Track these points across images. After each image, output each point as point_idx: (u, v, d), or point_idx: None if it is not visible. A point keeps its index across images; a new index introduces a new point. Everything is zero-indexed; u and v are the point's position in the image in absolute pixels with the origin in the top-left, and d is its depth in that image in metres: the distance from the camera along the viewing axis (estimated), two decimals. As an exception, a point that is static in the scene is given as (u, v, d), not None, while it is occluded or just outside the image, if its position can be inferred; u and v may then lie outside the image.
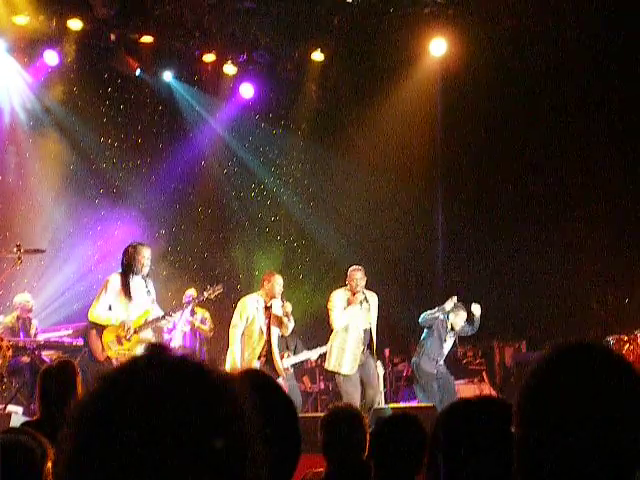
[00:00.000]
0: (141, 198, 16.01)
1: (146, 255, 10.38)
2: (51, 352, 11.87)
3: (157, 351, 1.38)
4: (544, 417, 1.64)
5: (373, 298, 11.72)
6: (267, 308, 11.09)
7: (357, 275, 11.54)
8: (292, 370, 12.00)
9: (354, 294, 11.46)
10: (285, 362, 11.53)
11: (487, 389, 14.69)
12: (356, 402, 10.92)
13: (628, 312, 15.37)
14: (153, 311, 10.44)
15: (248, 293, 11.59)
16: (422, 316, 12.70)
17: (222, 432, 1.30)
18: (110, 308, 10.19)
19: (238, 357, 10.95)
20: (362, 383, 11.46)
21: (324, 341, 12.12)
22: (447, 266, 17.08)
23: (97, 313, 10.16)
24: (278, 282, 11.17)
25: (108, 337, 10.09)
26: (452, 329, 12.77)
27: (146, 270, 10.42)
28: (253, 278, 15.57)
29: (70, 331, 12.76)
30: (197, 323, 13.72)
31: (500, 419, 1.68)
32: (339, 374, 11.42)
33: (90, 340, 10.44)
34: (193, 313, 13.68)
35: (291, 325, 11.24)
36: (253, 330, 11.01)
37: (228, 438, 1.30)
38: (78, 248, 15.05)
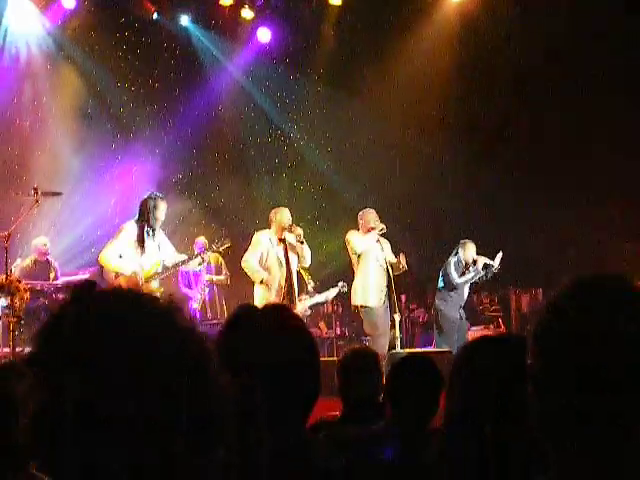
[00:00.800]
0: (158, 142, 15.98)
1: (163, 209, 10.36)
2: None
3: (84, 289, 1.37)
4: (559, 347, 1.62)
5: (386, 243, 11.73)
6: (281, 240, 11.13)
7: (371, 216, 11.55)
8: (310, 312, 12.03)
9: (370, 230, 11.47)
10: (303, 304, 11.52)
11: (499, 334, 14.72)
12: (386, 336, 11.11)
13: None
14: (163, 263, 10.46)
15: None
16: (459, 280, 12.57)
17: (178, 367, 1.28)
18: (120, 256, 10.19)
19: (269, 279, 11.00)
20: None
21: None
22: (463, 212, 17.02)
23: (107, 257, 10.12)
24: (285, 214, 11.22)
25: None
26: (466, 266, 12.66)
27: (160, 223, 10.42)
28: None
29: (87, 275, 12.83)
30: (214, 278, 13.67)
31: (519, 352, 1.69)
32: (366, 307, 11.35)
33: (106, 274, 10.50)
34: (207, 267, 13.50)
35: (308, 252, 11.25)
36: (271, 265, 11.04)
37: (183, 372, 1.29)
38: (95, 191, 15.08)
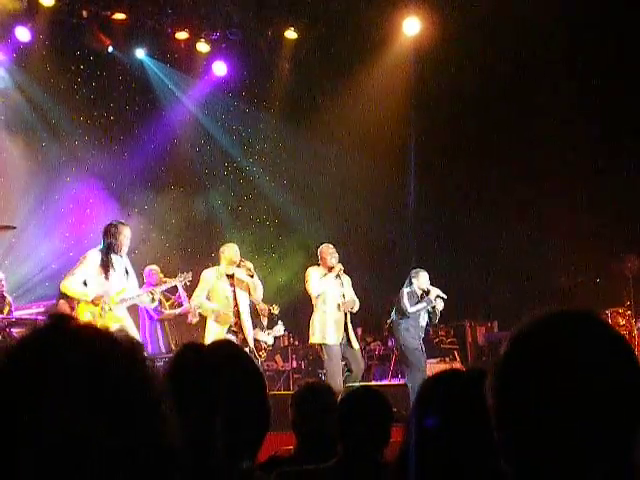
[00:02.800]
0: (113, 176, 15.91)
1: (127, 235, 10.28)
2: (23, 330, 11.74)
3: (59, 321, 1.38)
4: (524, 387, 1.58)
5: (346, 278, 11.72)
6: (229, 276, 11.13)
7: (329, 250, 11.53)
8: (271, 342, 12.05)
9: (330, 269, 11.45)
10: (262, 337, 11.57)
11: (459, 368, 14.70)
12: (339, 373, 11.08)
13: (598, 292, 15.49)
14: (129, 290, 10.37)
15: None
16: (411, 309, 12.44)
17: (125, 394, 1.30)
18: (85, 283, 10.10)
19: (219, 310, 11.01)
20: (346, 360, 11.43)
21: (298, 319, 12.10)
22: (419, 245, 17.11)
23: (70, 285, 9.97)
24: (234, 249, 11.22)
25: (82, 313, 9.99)
26: (421, 296, 12.53)
27: (125, 249, 10.34)
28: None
29: (42, 309, 12.70)
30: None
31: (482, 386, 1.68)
32: (325, 345, 11.28)
33: (60, 309, 10.47)
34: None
35: (259, 286, 11.26)
36: (217, 298, 11.04)
37: (130, 400, 1.31)
38: (50, 226, 14.96)
